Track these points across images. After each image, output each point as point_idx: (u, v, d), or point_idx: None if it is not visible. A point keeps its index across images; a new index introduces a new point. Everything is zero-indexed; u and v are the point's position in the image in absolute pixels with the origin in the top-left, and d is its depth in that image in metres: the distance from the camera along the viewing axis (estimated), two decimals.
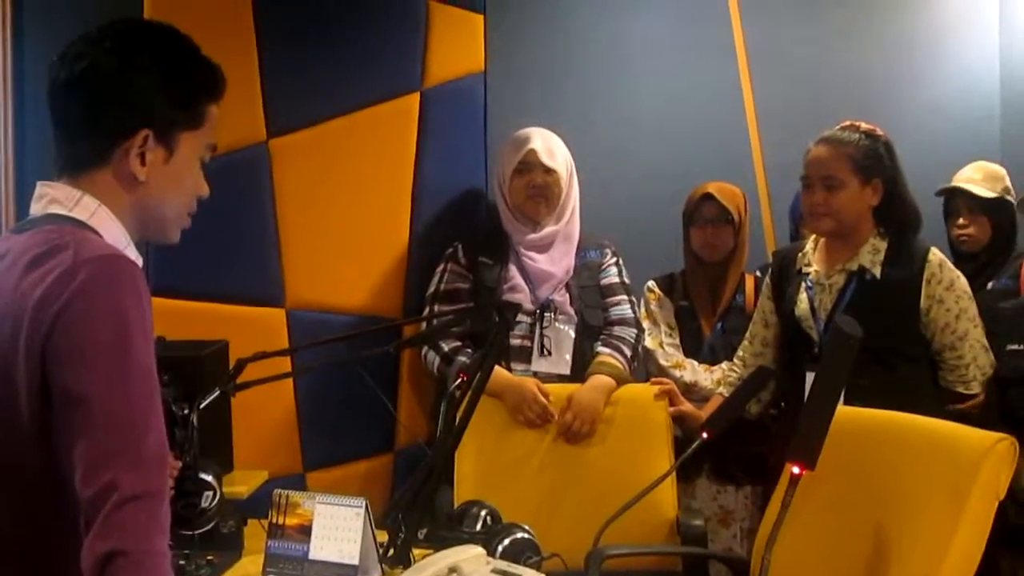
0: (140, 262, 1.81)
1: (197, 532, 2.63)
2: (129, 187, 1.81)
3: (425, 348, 3.87)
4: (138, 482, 1.56)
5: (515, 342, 3.76)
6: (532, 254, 3.85)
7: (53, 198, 1.78)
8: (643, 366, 3.90)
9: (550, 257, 3.86)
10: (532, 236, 3.86)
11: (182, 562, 2.65)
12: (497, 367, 3.59)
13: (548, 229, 3.87)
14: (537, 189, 3.82)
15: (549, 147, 3.84)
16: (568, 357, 3.78)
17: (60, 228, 1.73)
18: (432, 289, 3.94)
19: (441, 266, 3.94)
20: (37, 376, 1.61)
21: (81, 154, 1.79)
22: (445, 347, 3.80)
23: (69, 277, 1.62)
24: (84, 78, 1.77)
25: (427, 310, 3.93)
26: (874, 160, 3.35)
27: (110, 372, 1.60)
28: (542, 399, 3.61)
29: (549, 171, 3.81)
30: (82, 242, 1.69)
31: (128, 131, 1.78)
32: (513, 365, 3.76)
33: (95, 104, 1.78)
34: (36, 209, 1.80)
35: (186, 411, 2.73)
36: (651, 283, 4.02)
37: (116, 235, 1.80)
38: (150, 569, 1.57)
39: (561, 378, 3.75)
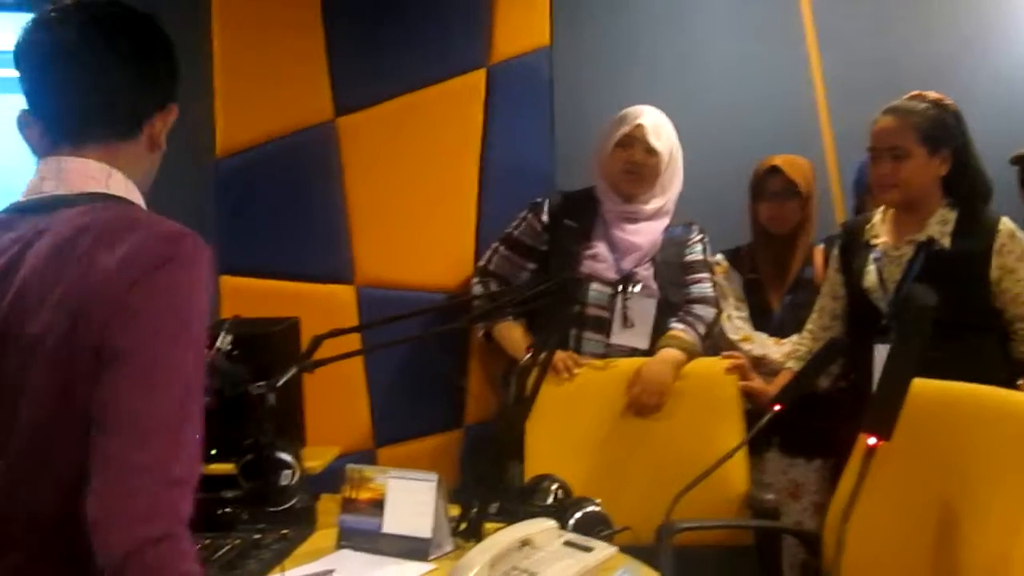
0: None
1: (277, 510, 2.67)
2: (149, 155, 1.87)
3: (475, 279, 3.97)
4: (183, 467, 1.59)
5: (592, 312, 3.75)
6: (623, 224, 3.83)
7: (85, 174, 1.77)
8: (713, 341, 3.88)
9: (639, 230, 3.83)
10: (627, 208, 3.83)
11: (256, 536, 2.68)
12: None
13: (643, 206, 3.84)
14: (634, 166, 3.78)
15: (657, 126, 3.79)
16: (648, 330, 3.76)
17: (119, 207, 1.76)
18: (507, 230, 3.98)
19: (524, 213, 3.96)
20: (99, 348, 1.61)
21: (111, 126, 1.80)
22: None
23: (147, 254, 1.64)
24: (137, 50, 1.81)
25: (492, 246, 3.99)
26: (942, 130, 3.32)
27: (174, 345, 1.63)
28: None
29: (651, 151, 3.77)
30: (151, 220, 1.72)
31: (167, 103, 1.86)
32: (589, 336, 3.76)
33: (150, 77, 1.83)
34: (54, 186, 1.77)
35: (262, 390, 2.76)
36: (719, 256, 4.00)
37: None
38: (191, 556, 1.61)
39: (636, 351, 3.74)
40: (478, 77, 4.22)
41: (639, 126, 3.77)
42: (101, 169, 1.78)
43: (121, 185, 1.79)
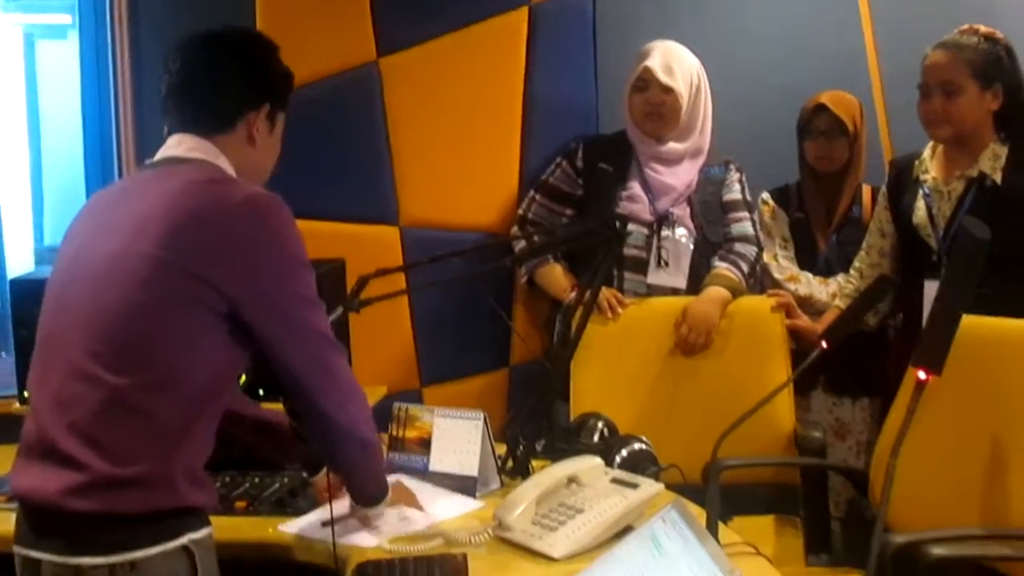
0: None
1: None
2: (245, 148, 2.26)
3: (515, 229, 3.99)
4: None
5: (630, 252, 3.74)
6: (656, 166, 3.81)
7: (195, 147, 2.21)
8: (758, 279, 3.87)
9: (673, 171, 3.81)
10: (659, 149, 3.81)
11: (305, 475, 2.71)
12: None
13: (675, 145, 3.81)
14: (653, 107, 3.76)
15: (668, 64, 3.75)
16: (685, 270, 3.75)
17: (214, 167, 2.19)
18: (542, 178, 3.99)
19: (558, 159, 3.96)
20: (193, 285, 2.02)
21: (218, 116, 2.23)
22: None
23: (253, 201, 2.09)
24: (232, 52, 2.26)
25: (528, 194, 4.00)
26: (994, 64, 3.27)
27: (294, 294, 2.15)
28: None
29: (667, 89, 3.74)
30: (241, 183, 2.16)
31: (257, 103, 2.26)
32: (627, 275, 3.75)
33: (240, 77, 2.25)
34: (177, 151, 2.22)
35: None
36: (765, 195, 3.98)
37: None
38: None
39: (675, 291, 3.73)
40: (521, 15, 4.18)
41: (646, 68, 3.75)
42: (211, 149, 2.21)
43: (225, 165, 2.21)
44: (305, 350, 2.15)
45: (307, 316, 2.15)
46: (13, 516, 2.13)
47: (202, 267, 2.01)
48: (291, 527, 2.59)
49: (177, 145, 2.21)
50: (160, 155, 2.23)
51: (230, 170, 2.21)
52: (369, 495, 2.45)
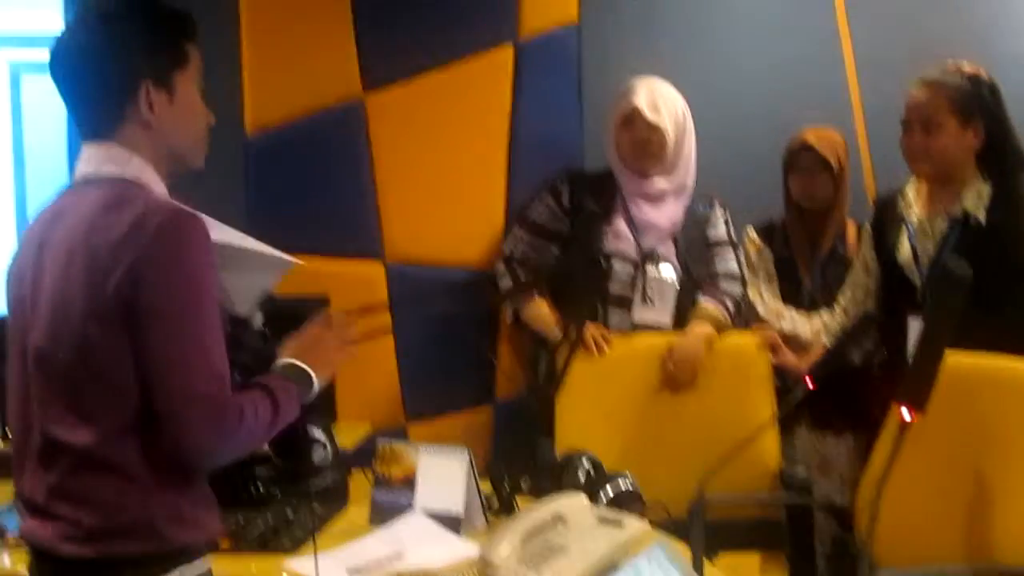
0: None
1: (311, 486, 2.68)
2: (148, 132, 2.08)
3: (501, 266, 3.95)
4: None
5: (616, 289, 3.74)
6: (641, 203, 3.82)
7: (105, 158, 2.07)
8: (743, 316, 3.87)
9: (659, 208, 3.82)
10: (645, 186, 3.82)
11: (289, 513, 2.70)
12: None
13: (660, 182, 3.82)
14: (640, 144, 3.77)
15: (653, 101, 3.77)
16: (671, 307, 3.75)
17: (123, 186, 2.03)
18: (526, 214, 3.98)
19: (543, 195, 3.95)
20: (108, 311, 1.92)
21: (103, 119, 2.07)
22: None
23: (141, 224, 1.92)
24: (81, 56, 2.07)
25: (512, 230, 4.00)
26: (975, 101, 3.28)
27: (189, 304, 1.94)
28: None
29: (653, 126, 3.75)
30: (144, 197, 2.00)
31: (130, 88, 2.06)
32: (613, 312, 3.75)
33: (98, 75, 2.06)
34: (87, 169, 2.08)
35: None
36: (750, 232, 3.99)
37: (161, 190, 2.09)
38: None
39: (661, 328, 3.73)
40: (506, 52, 4.21)
41: (633, 108, 3.76)
42: (120, 154, 2.06)
43: (137, 169, 2.06)
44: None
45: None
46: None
47: (121, 298, 1.93)
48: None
49: (87, 161, 2.09)
50: (77, 173, 2.10)
51: (146, 169, 2.06)
52: (291, 409, 2.11)
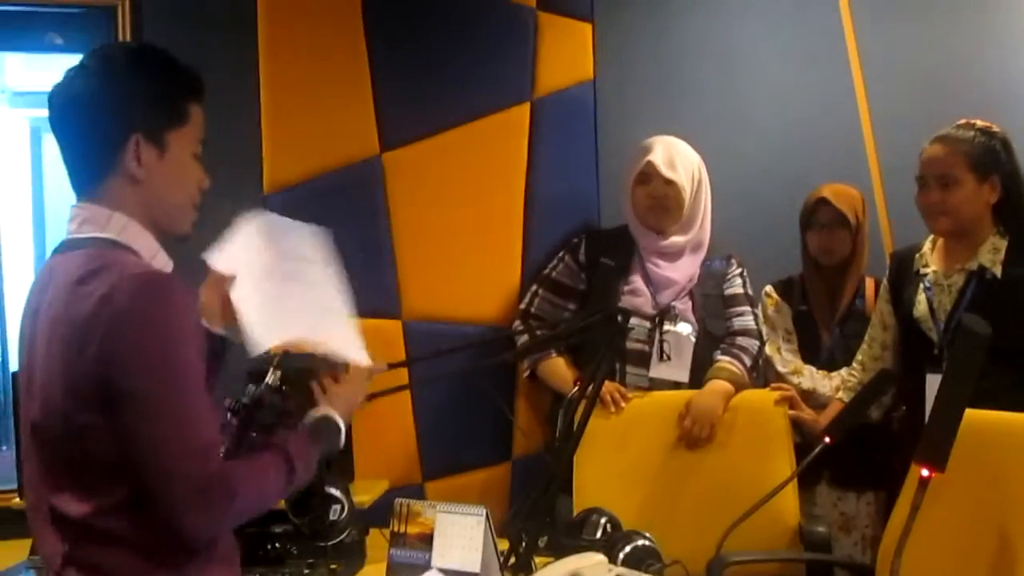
0: (170, 266, 2.06)
1: (327, 544, 2.67)
2: (135, 187, 2.03)
3: (519, 323, 3.98)
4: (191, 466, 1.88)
5: (633, 346, 3.75)
6: (658, 260, 3.84)
7: (86, 219, 2.03)
8: (761, 373, 3.87)
9: (675, 265, 3.84)
10: (661, 243, 3.84)
11: (306, 571, 2.69)
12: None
13: (676, 239, 3.84)
14: (657, 200, 3.80)
15: (670, 158, 3.80)
16: (688, 363, 3.75)
17: (99, 251, 1.98)
18: (544, 272, 4.01)
19: (561, 254, 3.99)
20: (85, 388, 1.88)
21: (91, 169, 2.04)
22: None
23: (109, 299, 1.87)
24: (76, 102, 2.03)
25: (531, 288, 4.01)
26: (991, 157, 3.29)
27: (160, 380, 1.88)
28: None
29: (670, 182, 3.78)
30: (117, 264, 1.94)
31: (121, 139, 2.01)
32: (629, 369, 3.75)
33: (90, 122, 2.02)
34: (72, 228, 2.04)
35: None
36: (768, 288, 3.98)
37: (147, 244, 2.05)
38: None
39: (678, 385, 3.73)
40: (523, 111, 4.23)
41: (649, 163, 3.78)
42: (100, 213, 2.02)
43: (118, 226, 2.02)
44: None
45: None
46: None
47: (96, 375, 1.90)
48: None
49: (72, 220, 2.05)
50: (66, 233, 2.07)
51: (131, 225, 2.02)
52: (308, 468, 2.15)
